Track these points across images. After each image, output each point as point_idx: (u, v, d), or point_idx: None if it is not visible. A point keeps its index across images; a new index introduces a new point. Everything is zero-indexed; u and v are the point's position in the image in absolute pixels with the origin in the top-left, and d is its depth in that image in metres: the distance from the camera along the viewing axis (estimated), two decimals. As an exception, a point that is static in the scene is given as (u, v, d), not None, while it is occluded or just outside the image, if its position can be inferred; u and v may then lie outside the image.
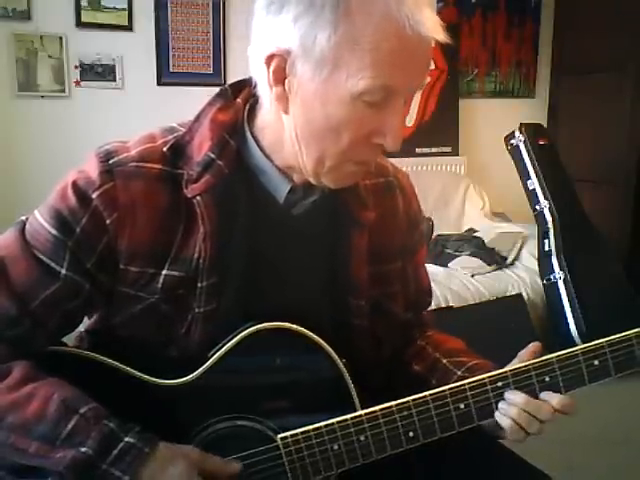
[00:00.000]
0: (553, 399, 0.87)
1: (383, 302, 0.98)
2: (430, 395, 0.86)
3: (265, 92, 0.84)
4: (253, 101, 0.89)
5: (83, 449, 0.76)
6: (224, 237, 0.85)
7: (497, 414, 0.87)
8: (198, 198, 0.83)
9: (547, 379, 0.88)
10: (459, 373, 0.96)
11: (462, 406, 0.86)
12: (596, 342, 0.90)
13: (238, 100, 0.88)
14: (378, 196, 0.96)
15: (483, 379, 0.87)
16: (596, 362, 0.89)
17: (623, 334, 0.90)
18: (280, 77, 0.79)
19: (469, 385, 0.87)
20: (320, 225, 0.92)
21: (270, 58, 0.79)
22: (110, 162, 0.84)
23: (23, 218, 0.87)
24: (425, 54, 0.78)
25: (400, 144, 0.80)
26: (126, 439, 0.77)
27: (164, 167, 0.85)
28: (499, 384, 0.87)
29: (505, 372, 0.88)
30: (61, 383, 0.81)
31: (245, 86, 0.90)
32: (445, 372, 0.98)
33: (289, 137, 0.83)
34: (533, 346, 0.92)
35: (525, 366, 0.88)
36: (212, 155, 0.84)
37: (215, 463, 0.82)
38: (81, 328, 0.94)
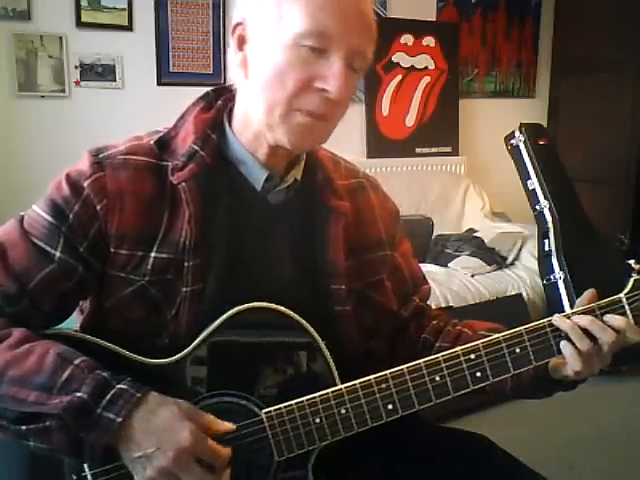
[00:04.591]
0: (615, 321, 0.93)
1: (367, 292, 1.03)
2: (407, 368, 0.90)
3: (239, 78, 0.92)
4: (232, 104, 0.97)
5: (78, 394, 0.81)
6: (208, 219, 0.92)
7: (562, 344, 0.92)
8: (183, 184, 0.91)
9: (517, 350, 0.91)
10: None
11: (437, 378, 0.90)
12: (563, 314, 0.93)
13: (219, 102, 0.98)
14: (351, 194, 1.03)
15: (456, 351, 0.91)
16: (562, 334, 0.93)
17: (589, 305, 0.95)
18: (241, 43, 0.90)
19: (443, 357, 0.90)
20: (297, 214, 0.98)
21: (235, 28, 0.90)
22: (100, 156, 0.92)
23: (22, 213, 0.94)
24: (357, 8, 0.86)
25: (342, 91, 0.85)
26: (118, 386, 0.82)
27: (150, 159, 0.93)
28: (472, 356, 0.91)
29: (477, 345, 0.91)
30: (56, 342, 0.87)
31: (226, 91, 0.99)
32: None
33: (250, 104, 0.90)
34: (588, 294, 0.98)
35: (496, 338, 0.92)
36: (195, 147, 0.93)
37: (209, 418, 0.85)
38: (75, 325, 0.98)
